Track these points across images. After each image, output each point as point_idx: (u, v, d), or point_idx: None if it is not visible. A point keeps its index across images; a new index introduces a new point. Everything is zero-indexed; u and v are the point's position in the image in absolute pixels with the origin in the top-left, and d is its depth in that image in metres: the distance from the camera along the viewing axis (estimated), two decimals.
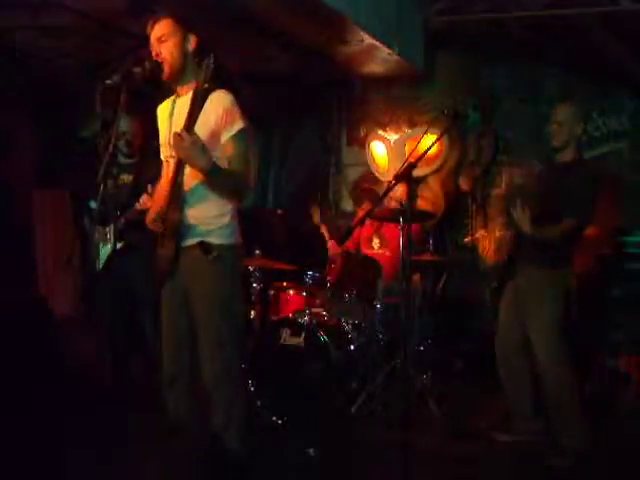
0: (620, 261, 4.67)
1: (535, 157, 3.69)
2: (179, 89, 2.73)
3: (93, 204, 4.13)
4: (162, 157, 2.82)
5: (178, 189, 2.59)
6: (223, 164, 2.58)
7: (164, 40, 2.63)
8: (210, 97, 2.59)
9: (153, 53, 2.65)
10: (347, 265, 4.46)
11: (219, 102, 2.60)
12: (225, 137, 2.60)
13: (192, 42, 2.67)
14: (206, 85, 2.49)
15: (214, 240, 2.61)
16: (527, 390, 3.61)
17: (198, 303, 2.64)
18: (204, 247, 2.59)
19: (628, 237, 4.72)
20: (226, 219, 2.65)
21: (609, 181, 3.54)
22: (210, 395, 2.64)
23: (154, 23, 2.67)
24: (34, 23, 4.23)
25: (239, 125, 2.60)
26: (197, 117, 2.50)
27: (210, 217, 2.63)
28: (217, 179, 2.55)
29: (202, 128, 2.55)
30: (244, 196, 2.75)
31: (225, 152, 2.61)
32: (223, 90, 2.66)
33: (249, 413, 3.05)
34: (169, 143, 2.63)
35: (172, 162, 2.65)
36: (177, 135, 2.46)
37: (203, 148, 2.46)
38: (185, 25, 2.68)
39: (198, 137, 2.46)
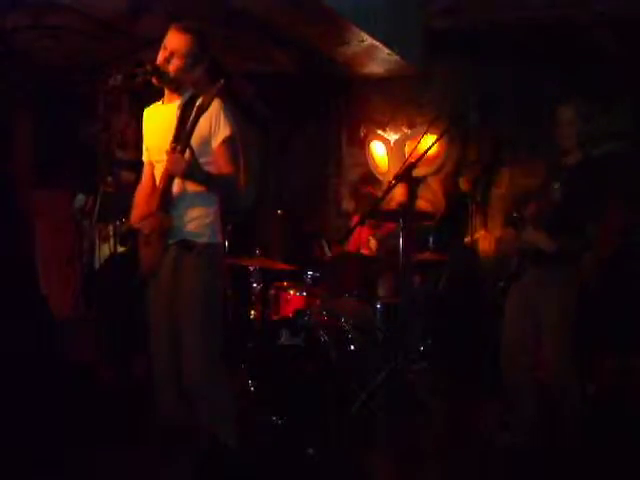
0: (621, 261, 4.67)
1: (538, 158, 3.65)
2: (171, 96, 2.75)
3: (80, 199, 4.12)
4: (145, 159, 2.90)
5: (168, 195, 2.66)
6: (213, 169, 2.68)
7: (179, 56, 2.65)
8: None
9: (160, 57, 2.67)
10: (347, 265, 4.46)
11: (210, 109, 2.63)
12: (215, 144, 2.67)
13: (201, 68, 2.71)
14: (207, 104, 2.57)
15: (196, 239, 2.68)
16: (530, 390, 3.60)
17: (179, 300, 2.67)
18: (185, 244, 2.66)
19: (628, 237, 4.72)
20: (208, 219, 2.72)
21: (613, 180, 3.51)
22: (194, 394, 2.66)
23: (176, 30, 2.66)
24: (34, 23, 4.23)
25: (227, 132, 2.67)
26: (185, 129, 2.59)
27: (193, 218, 2.70)
28: (211, 187, 2.68)
29: (195, 135, 2.62)
30: (236, 198, 2.83)
31: (215, 158, 2.69)
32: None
33: (245, 412, 3.05)
34: (158, 149, 2.71)
35: (160, 167, 2.71)
36: (171, 154, 2.57)
37: (197, 164, 2.60)
38: (204, 48, 2.69)
39: (192, 156, 2.58)
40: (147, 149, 2.88)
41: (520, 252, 3.52)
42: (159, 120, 2.79)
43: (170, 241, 2.67)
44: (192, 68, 2.69)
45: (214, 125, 2.66)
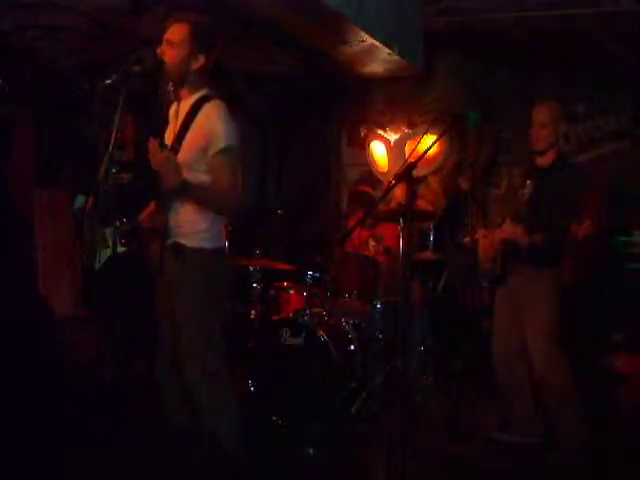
0: (619, 261, 4.67)
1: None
2: (179, 93, 2.72)
3: (80, 200, 4.13)
4: None
5: (165, 194, 2.64)
6: (208, 178, 2.63)
7: (173, 46, 2.62)
8: (204, 107, 2.64)
9: (159, 50, 2.64)
10: (347, 265, 4.46)
11: (211, 115, 2.62)
12: (211, 151, 2.62)
13: (199, 62, 2.65)
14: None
15: (187, 243, 2.64)
16: (526, 391, 3.61)
17: (174, 304, 2.67)
18: (175, 248, 2.64)
19: (628, 237, 4.71)
20: (203, 225, 2.66)
21: (597, 181, 3.54)
22: (193, 396, 2.65)
23: (172, 22, 2.65)
24: (34, 23, 4.23)
25: (226, 142, 2.60)
26: (184, 133, 2.62)
27: (186, 221, 2.65)
28: (190, 194, 2.60)
29: (193, 138, 2.62)
30: (229, 210, 2.79)
31: (210, 166, 2.63)
32: (218, 100, 2.67)
33: (246, 413, 3.02)
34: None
35: None
36: (153, 146, 2.54)
37: (175, 166, 2.52)
38: (202, 41, 2.65)
39: (172, 155, 2.55)
40: None
41: (504, 254, 3.53)
42: (171, 118, 2.78)
43: (167, 242, 2.65)
44: (189, 59, 2.64)
45: (213, 133, 2.60)
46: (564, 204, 3.27)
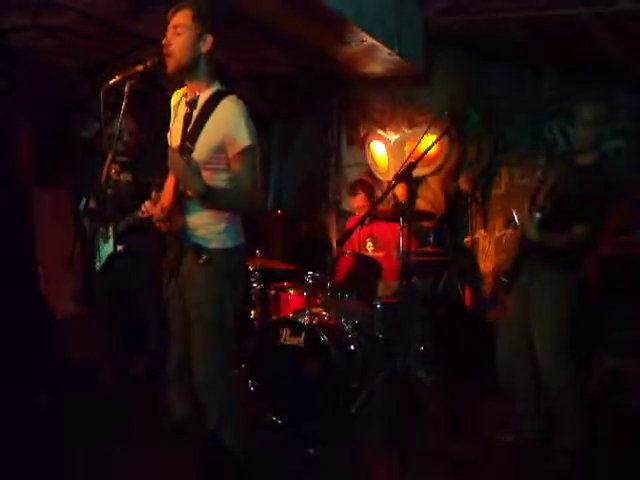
0: (620, 261, 4.66)
1: (537, 157, 3.66)
2: (190, 85, 2.64)
3: (82, 202, 4.15)
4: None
5: (181, 195, 2.58)
6: (226, 177, 2.58)
7: (179, 32, 2.55)
8: (222, 104, 2.56)
9: (164, 41, 2.57)
10: (347, 265, 4.46)
11: (230, 111, 2.55)
12: (233, 151, 2.55)
13: (208, 43, 2.58)
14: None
15: (207, 244, 2.60)
16: (527, 390, 3.61)
17: (190, 305, 2.65)
18: (196, 250, 2.60)
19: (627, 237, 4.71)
20: (221, 226, 2.63)
21: (617, 180, 3.52)
22: (202, 397, 2.64)
23: (175, 10, 2.58)
24: (34, 23, 4.23)
25: (248, 141, 2.54)
26: (199, 131, 2.53)
27: (205, 224, 2.61)
28: (213, 200, 2.54)
29: (210, 136, 2.55)
30: (253, 210, 2.78)
31: (231, 167, 2.58)
32: (235, 97, 2.60)
33: (247, 413, 3.04)
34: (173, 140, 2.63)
35: None
36: (174, 153, 2.48)
37: (196, 171, 2.46)
38: (206, 21, 2.58)
39: (192, 159, 2.47)
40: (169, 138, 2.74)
41: (518, 251, 3.53)
42: (177, 113, 2.69)
43: (186, 244, 2.61)
44: (198, 40, 2.56)
45: (233, 131, 2.53)
46: (594, 208, 3.27)
